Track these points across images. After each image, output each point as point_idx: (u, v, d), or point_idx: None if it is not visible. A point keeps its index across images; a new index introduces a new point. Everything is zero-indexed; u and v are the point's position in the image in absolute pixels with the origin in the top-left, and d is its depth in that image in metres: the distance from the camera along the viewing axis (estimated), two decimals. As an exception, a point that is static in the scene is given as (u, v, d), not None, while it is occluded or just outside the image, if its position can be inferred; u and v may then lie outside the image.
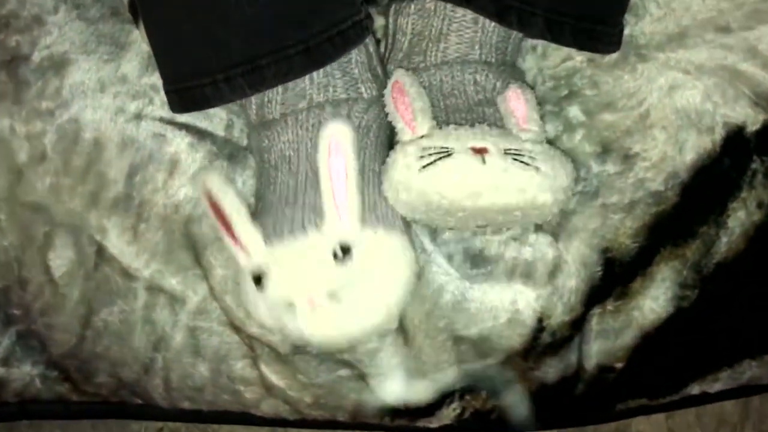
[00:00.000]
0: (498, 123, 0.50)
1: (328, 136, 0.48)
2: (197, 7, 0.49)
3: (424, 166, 0.46)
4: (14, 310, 0.60)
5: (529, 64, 0.58)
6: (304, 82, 0.51)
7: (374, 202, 0.50)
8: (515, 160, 0.46)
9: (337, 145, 0.48)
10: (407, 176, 0.47)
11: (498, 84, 0.52)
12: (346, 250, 0.48)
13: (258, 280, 0.49)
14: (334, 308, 0.47)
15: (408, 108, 0.49)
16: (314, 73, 0.51)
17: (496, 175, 0.46)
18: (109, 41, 0.60)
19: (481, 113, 0.51)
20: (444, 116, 0.51)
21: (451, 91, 0.52)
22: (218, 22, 0.49)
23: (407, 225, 0.52)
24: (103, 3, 0.60)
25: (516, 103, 0.50)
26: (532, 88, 0.54)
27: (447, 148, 0.47)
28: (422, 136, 0.48)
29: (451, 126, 0.49)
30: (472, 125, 0.49)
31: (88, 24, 0.60)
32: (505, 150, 0.47)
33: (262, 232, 0.49)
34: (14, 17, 0.60)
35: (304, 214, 0.49)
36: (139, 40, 0.60)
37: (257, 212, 0.52)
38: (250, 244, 0.49)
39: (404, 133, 0.50)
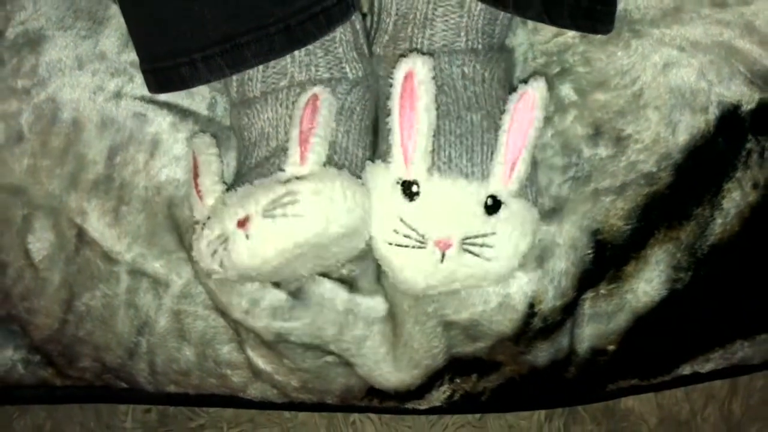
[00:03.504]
0: (485, 141, 0.49)
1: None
2: None
3: (393, 243, 0.48)
4: (-7, 294, 0.59)
5: (519, 39, 0.57)
6: (286, 60, 0.50)
7: None
8: (472, 252, 0.48)
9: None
10: (376, 233, 0.49)
11: (486, 74, 0.51)
12: None
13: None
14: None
15: (413, 139, 0.48)
16: (296, 51, 0.50)
17: (449, 274, 0.48)
18: (86, 16, 0.58)
19: (469, 123, 0.50)
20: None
21: (441, 87, 0.50)
22: None
23: None
24: (80, -24, 0.59)
25: (523, 115, 0.48)
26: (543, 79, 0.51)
27: (421, 238, 0.47)
28: (412, 188, 0.48)
29: (434, 180, 0.48)
30: (459, 141, 0.49)
31: (64, -2, 0.58)
32: (465, 240, 0.47)
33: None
34: (-15, -8, 0.58)
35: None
36: (117, 15, 0.58)
37: (233, 185, 0.51)
38: (208, 194, 0.50)
39: (398, 163, 0.48)
